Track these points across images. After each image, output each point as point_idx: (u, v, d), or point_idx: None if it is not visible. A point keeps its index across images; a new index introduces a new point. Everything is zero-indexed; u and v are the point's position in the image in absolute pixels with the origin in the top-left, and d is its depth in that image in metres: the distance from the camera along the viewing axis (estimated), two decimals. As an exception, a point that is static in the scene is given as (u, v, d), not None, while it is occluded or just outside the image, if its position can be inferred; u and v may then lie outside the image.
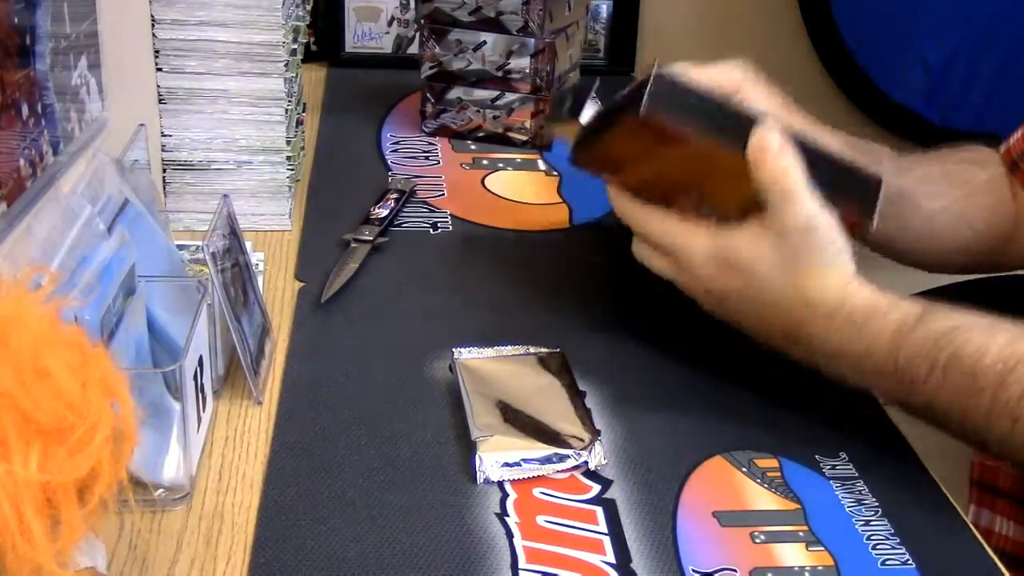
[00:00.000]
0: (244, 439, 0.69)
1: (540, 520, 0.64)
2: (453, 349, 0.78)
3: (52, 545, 0.43)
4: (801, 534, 0.64)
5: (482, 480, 0.66)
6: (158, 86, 0.90)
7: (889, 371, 0.67)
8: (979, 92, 1.66)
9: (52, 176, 0.73)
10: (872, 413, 0.78)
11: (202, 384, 0.66)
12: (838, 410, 0.77)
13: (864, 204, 0.73)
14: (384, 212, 0.98)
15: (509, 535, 0.62)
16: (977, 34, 1.63)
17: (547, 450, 0.67)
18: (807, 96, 0.83)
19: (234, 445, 0.69)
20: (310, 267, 0.90)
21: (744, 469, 0.70)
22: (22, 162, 0.68)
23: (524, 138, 1.19)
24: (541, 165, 1.16)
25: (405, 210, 1.02)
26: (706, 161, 0.72)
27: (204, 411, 0.67)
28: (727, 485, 0.68)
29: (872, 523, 0.66)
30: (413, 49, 1.37)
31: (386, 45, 1.44)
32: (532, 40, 1.15)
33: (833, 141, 0.77)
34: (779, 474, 0.69)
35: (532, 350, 0.78)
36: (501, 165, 1.15)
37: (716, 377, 0.80)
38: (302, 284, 0.88)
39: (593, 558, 0.61)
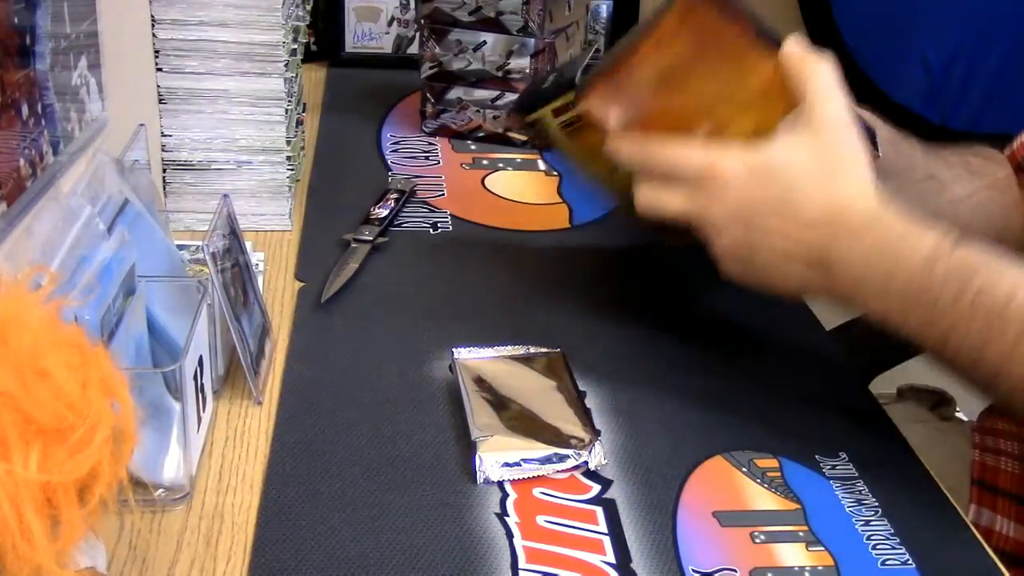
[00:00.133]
0: (244, 439, 0.69)
1: (540, 520, 0.64)
2: (453, 349, 0.78)
3: (52, 545, 0.43)
4: (801, 534, 0.64)
5: (482, 480, 0.66)
6: (158, 86, 0.90)
7: (916, 289, 0.65)
8: (979, 92, 1.66)
9: (52, 176, 0.73)
10: (872, 413, 0.78)
11: (202, 384, 0.66)
12: (838, 410, 0.77)
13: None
14: (384, 212, 0.98)
15: (509, 535, 0.62)
16: (977, 34, 1.63)
17: (547, 450, 0.67)
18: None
19: (234, 445, 0.69)
20: (310, 267, 0.90)
21: (744, 469, 0.70)
22: (22, 162, 0.68)
23: (524, 138, 1.19)
24: (541, 165, 1.16)
25: (405, 210, 1.02)
26: (734, 71, 0.72)
27: (204, 411, 0.67)
28: (727, 485, 0.68)
29: (872, 523, 0.66)
30: (413, 49, 1.37)
31: (386, 45, 1.44)
32: (532, 40, 1.15)
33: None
34: (779, 474, 0.69)
35: (532, 350, 0.78)
36: (501, 165, 1.15)
37: (716, 377, 0.80)
38: (302, 284, 0.88)
39: (593, 558, 0.61)
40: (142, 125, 0.83)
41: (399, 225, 0.99)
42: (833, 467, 0.71)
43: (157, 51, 0.89)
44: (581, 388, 0.75)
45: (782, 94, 0.71)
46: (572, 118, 0.79)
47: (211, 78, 0.91)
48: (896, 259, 0.66)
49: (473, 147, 1.20)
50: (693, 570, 0.61)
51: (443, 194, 1.07)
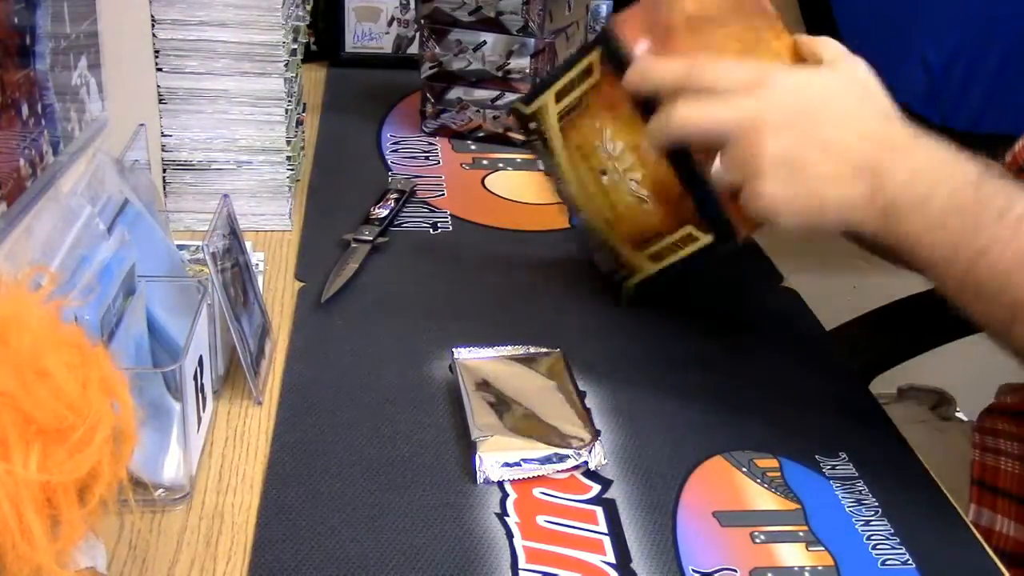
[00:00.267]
0: (244, 439, 0.69)
1: (540, 520, 0.64)
2: (453, 349, 0.78)
3: (52, 545, 0.43)
4: (801, 534, 0.64)
5: (482, 480, 0.66)
6: (158, 86, 0.90)
7: (959, 203, 0.64)
8: (979, 92, 1.66)
9: (52, 176, 0.73)
10: (872, 413, 0.78)
11: (202, 384, 0.66)
12: (838, 410, 0.77)
13: None
14: (384, 212, 0.98)
15: (509, 535, 0.62)
16: (977, 34, 1.63)
17: (547, 450, 0.67)
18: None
19: (234, 445, 0.69)
20: (310, 267, 0.90)
21: (744, 469, 0.70)
22: (22, 162, 0.68)
23: (524, 138, 1.19)
24: (541, 165, 1.16)
25: (405, 210, 1.02)
26: (767, 29, 0.74)
27: (204, 411, 0.67)
28: (727, 485, 0.68)
29: (872, 523, 0.66)
30: (413, 49, 1.37)
31: (386, 45, 1.44)
32: (532, 40, 1.15)
33: None
34: (779, 474, 0.69)
35: (532, 350, 0.78)
36: (501, 165, 1.15)
37: (716, 377, 0.80)
38: (302, 284, 0.88)
39: (593, 558, 0.61)
40: (142, 125, 0.83)
41: (399, 225, 0.99)
42: (833, 467, 0.71)
43: (157, 51, 0.89)
44: (581, 388, 0.75)
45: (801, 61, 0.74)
46: (574, 101, 0.79)
47: (211, 78, 0.91)
48: (943, 173, 0.66)
49: (473, 147, 1.20)
50: (693, 570, 0.61)
51: (443, 194, 1.07)
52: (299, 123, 1.03)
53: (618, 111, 0.77)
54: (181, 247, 0.81)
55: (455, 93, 1.20)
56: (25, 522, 0.42)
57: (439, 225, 1.01)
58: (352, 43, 1.43)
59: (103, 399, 0.46)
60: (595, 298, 0.89)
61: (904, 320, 1.09)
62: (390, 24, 1.43)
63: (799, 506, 0.67)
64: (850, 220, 0.67)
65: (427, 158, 1.16)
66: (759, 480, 0.69)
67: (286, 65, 0.91)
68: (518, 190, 1.10)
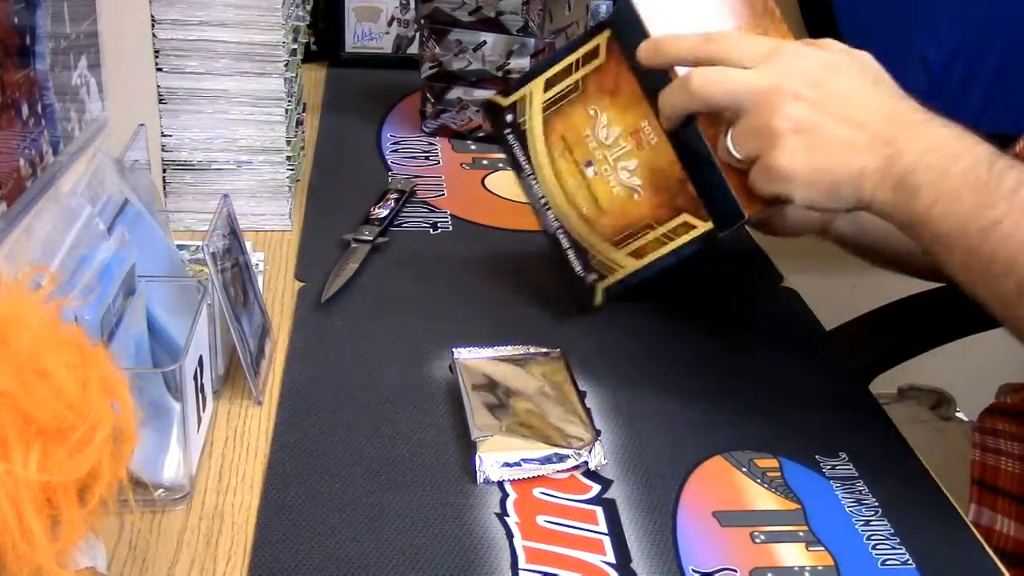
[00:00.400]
0: (244, 439, 0.69)
1: (540, 520, 0.64)
2: (453, 349, 0.78)
3: (52, 545, 0.43)
4: (801, 534, 0.64)
5: (482, 480, 0.66)
6: (158, 86, 0.90)
7: (975, 176, 0.64)
8: (979, 92, 1.66)
9: (52, 176, 0.73)
10: (872, 413, 0.78)
11: (202, 384, 0.66)
12: (838, 410, 0.77)
13: None
14: (384, 212, 0.98)
15: (509, 535, 0.62)
16: (977, 34, 1.63)
17: (547, 450, 0.67)
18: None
19: (234, 445, 0.69)
20: (310, 267, 0.90)
21: (744, 469, 0.70)
22: (22, 162, 0.68)
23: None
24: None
25: (405, 210, 1.02)
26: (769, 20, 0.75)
27: (204, 411, 0.67)
28: (727, 485, 0.68)
29: (872, 523, 0.66)
30: (413, 49, 1.37)
31: (386, 45, 1.44)
32: (532, 40, 1.15)
33: None
34: (779, 474, 0.69)
35: (532, 350, 0.78)
36: (501, 165, 1.15)
37: (716, 377, 0.80)
38: (302, 284, 0.88)
39: (593, 558, 0.61)
40: (142, 125, 0.83)
41: (399, 225, 0.99)
42: (833, 467, 0.71)
43: (157, 51, 0.89)
44: (581, 388, 0.75)
45: None
46: (569, 87, 0.79)
47: (211, 78, 0.91)
48: (959, 148, 0.66)
49: (473, 147, 1.20)
50: (693, 570, 0.61)
51: (443, 194, 1.07)
52: (299, 123, 1.03)
53: (619, 95, 0.77)
54: (181, 247, 0.81)
55: (455, 93, 1.20)
56: (25, 522, 0.42)
57: (439, 225, 1.01)
58: (352, 43, 1.43)
59: (103, 399, 0.46)
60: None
61: (904, 320, 1.09)
62: (390, 24, 1.43)
63: (799, 506, 0.67)
64: (862, 193, 0.67)
65: (427, 158, 1.17)
66: (759, 480, 0.69)
67: (286, 65, 0.91)
68: (518, 190, 1.10)
